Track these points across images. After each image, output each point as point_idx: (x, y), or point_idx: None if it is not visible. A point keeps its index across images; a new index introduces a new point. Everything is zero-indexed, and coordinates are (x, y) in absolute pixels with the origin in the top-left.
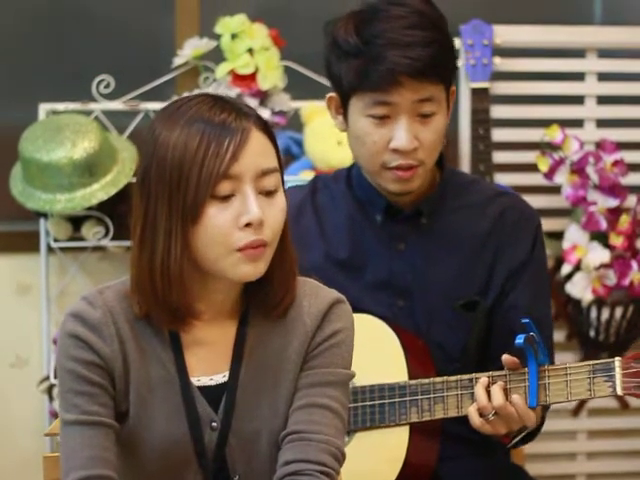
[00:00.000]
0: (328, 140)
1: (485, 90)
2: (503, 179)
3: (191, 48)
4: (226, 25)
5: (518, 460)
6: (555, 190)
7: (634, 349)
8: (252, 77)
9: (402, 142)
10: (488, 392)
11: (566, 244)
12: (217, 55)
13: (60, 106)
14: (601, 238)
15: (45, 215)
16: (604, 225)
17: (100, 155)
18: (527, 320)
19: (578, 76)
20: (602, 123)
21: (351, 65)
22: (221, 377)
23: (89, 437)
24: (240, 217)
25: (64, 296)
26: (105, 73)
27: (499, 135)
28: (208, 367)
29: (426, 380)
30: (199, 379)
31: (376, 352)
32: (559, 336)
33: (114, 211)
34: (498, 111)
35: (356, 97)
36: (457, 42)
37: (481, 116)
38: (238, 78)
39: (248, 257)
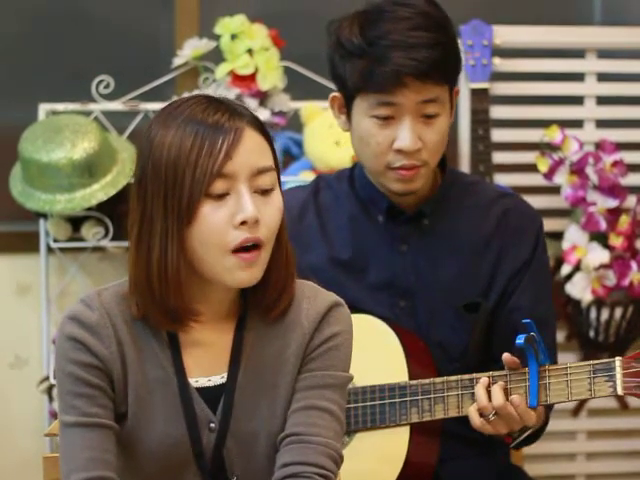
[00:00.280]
0: (327, 140)
1: (485, 90)
2: (503, 179)
3: (191, 48)
4: (226, 25)
5: (517, 460)
6: (555, 190)
7: (634, 349)
8: (252, 77)
9: (406, 143)
10: (489, 392)
11: (566, 244)
12: (217, 55)
13: (60, 106)
14: (601, 238)
15: (45, 215)
16: (604, 225)
17: (100, 155)
18: (528, 320)
19: (578, 76)
20: (602, 123)
21: (355, 66)
22: (219, 378)
23: (89, 439)
24: (235, 215)
25: (64, 296)
26: (105, 73)
27: (499, 135)
28: (206, 368)
29: (426, 380)
30: (197, 380)
31: (376, 352)
32: (559, 336)
33: (114, 211)
34: (498, 111)
35: (360, 97)
36: None
37: (481, 116)
38: (238, 78)
39: (243, 262)
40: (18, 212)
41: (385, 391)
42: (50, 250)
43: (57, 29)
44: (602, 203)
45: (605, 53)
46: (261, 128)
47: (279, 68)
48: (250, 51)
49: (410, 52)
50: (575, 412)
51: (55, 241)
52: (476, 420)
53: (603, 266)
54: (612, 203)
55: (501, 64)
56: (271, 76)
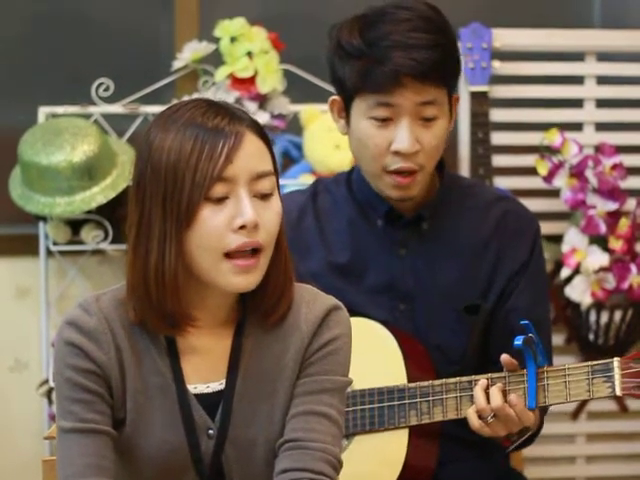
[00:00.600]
0: (326, 143)
1: (484, 93)
2: (502, 182)
3: (190, 51)
4: (225, 28)
5: (517, 464)
6: (554, 193)
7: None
8: (251, 80)
9: (404, 144)
10: (487, 394)
11: (565, 247)
12: (216, 58)
13: (59, 109)
14: (600, 242)
15: (44, 218)
16: (603, 229)
17: (99, 158)
18: (526, 322)
19: (577, 79)
20: (601, 126)
21: (354, 66)
22: (218, 384)
23: (86, 445)
24: (234, 219)
25: (63, 299)
26: (104, 76)
27: (498, 138)
28: (204, 374)
29: (425, 383)
30: (195, 386)
31: (375, 356)
32: (558, 339)
33: (113, 215)
34: (497, 114)
35: (359, 99)
36: None
37: (480, 119)
38: (237, 81)
39: (239, 268)
40: (18, 215)
41: (384, 394)
42: (50, 253)
43: (57, 32)
44: (602, 206)
45: (605, 56)
46: (261, 132)
47: (279, 71)
48: (250, 54)
49: (409, 52)
50: (575, 415)
51: (55, 244)
52: (475, 422)
53: (603, 269)
54: (612, 206)
55: (500, 67)
56: (271, 79)
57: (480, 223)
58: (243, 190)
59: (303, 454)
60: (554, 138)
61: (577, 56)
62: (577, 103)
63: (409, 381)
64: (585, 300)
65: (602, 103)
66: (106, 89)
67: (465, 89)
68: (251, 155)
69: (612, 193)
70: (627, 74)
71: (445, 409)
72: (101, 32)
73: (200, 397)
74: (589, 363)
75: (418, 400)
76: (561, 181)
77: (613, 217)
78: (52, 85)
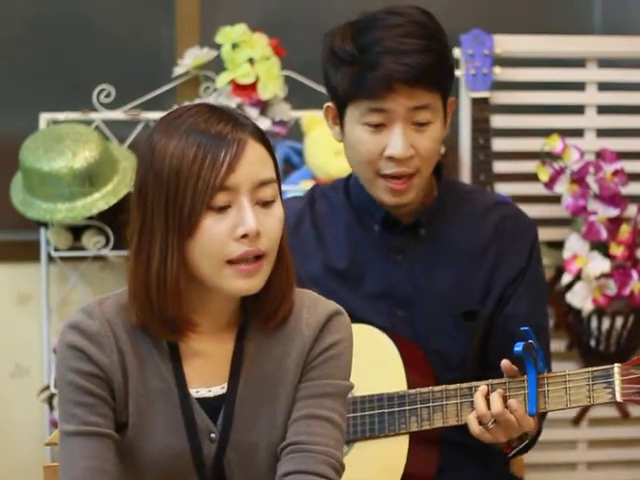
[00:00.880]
0: (327, 150)
1: (485, 100)
2: (503, 189)
3: (191, 58)
4: (227, 35)
5: (518, 470)
6: (555, 200)
7: None
8: (252, 87)
9: (397, 150)
10: (487, 400)
11: (566, 254)
12: (217, 65)
13: (61, 116)
14: (601, 248)
15: (45, 224)
16: (604, 235)
17: (101, 165)
18: (526, 328)
19: (578, 86)
20: (602, 133)
21: (346, 73)
22: (219, 389)
23: (88, 448)
24: (236, 228)
25: (64, 305)
26: (105, 83)
27: (499, 145)
28: (206, 379)
29: (425, 389)
30: (197, 391)
31: (375, 362)
32: (560, 346)
33: (114, 221)
34: (498, 121)
35: (352, 105)
36: (457, 52)
37: (481, 126)
38: (238, 88)
39: (242, 272)
40: (19, 221)
41: (384, 400)
42: (51, 259)
43: (58, 38)
44: (603, 212)
45: (606, 62)
46: (263, 139)
47: (280, 77)
48: (251, 60)
49: (401, 57)
50: (576, 421)
51: (56, 250)
52: (475, 428)
53: (604, 275)
54: (613, 212)
55: (502, 73)
56: (272, 85)
57: (478, 229)
58: (245, 199)
59: (306, 457)
60: (555, 144)
61: (578, 62)
62: (578, 109)
63: (409, 387)
64: (586, 306)
65: (603, 109)
66: (107, 95)
67: (466, 95)
68: (253, 163)
69: (613, 199)
70: (628, 80)
71: (445, 415)
72: (102, 38)
73: (202, 401)
74: (589, 369)
75: (418, 406)
76: (562, 187)
77: (614, 223)
78: (53, 91)
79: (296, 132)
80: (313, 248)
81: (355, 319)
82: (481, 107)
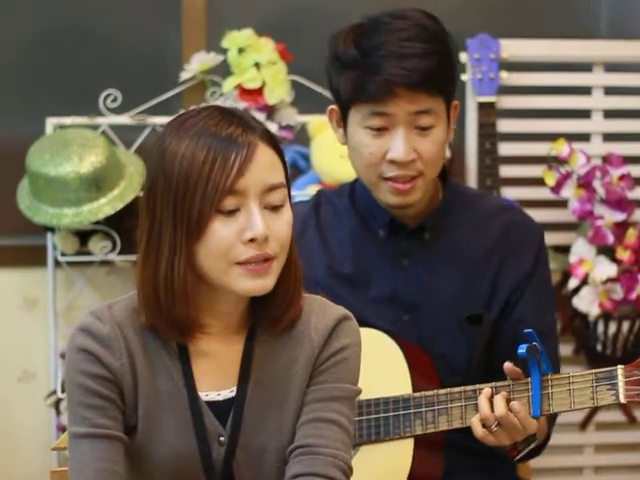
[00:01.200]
0: (334, 154)
1: (492, 104)
2: (510, 193)
3: (198, 62)
4: (233, 39)
5: (524, 474)
6: (562, 204)
7: None
8: (259, 91)
9: (399, 153)
10: (491, 403)
11: (573, 258)
12: (224, 69)
13: (67, 120)
14: (608, 252)
15: (52, 229)
16: (611, 239)
17: (107, 169)
18: (529, 330)
19: (585, 90)
20: (609, 137)
21: (349, 76)
22: (228, 392)
23: (98, 450)
24: (244, 232)
25: (71, 310)
26: (112, 87)
27: (506, 149)
28: (216, 382)
29: (430, 392)
30: (207, 394)
31: (380, 366)
32: (566, 350)
33: (121, 225)
34: (505, 125)
35: (354, 109)
36: (464, 56)
37: (488, 130)
38: (245, 92)
39: (250, 272)
40: (25, 226)
41: (389, 404)
42: (57, 264)
43: (64, 43)
44: (609, 217)
45: (612, 67)
46: (273, 143)
47: (286, 82)
48: (257, 65)
49: (402, 62)
50: (583, 426)
51: (62, 255)
52: (479, 431)
53: (610, 280)
54: (619, 217)
55: (508, 78)
56: (278, 90)
57: (483, 233)
58: (254, 203)
59: (314, 459)
60: (562, 149)
61: (584, 67)
62: (585, 114)
63: (414, 391)
64: (593, 311)
65: (610, 114)
66: (114, 100)
67: (472, 100)
68: (263, 167)
69: (620, 204)
70: (635, 84)
71: (450, 418)
72: (109, 43)
73: (211, 404)
74: (593, 371)
75: (423, 410)
76: (569, 191)
77: (621, 228)
78: (60, 96)
79: (302, 137)
80: (318, 253)
81: (361, 323)
82: (487, 111)
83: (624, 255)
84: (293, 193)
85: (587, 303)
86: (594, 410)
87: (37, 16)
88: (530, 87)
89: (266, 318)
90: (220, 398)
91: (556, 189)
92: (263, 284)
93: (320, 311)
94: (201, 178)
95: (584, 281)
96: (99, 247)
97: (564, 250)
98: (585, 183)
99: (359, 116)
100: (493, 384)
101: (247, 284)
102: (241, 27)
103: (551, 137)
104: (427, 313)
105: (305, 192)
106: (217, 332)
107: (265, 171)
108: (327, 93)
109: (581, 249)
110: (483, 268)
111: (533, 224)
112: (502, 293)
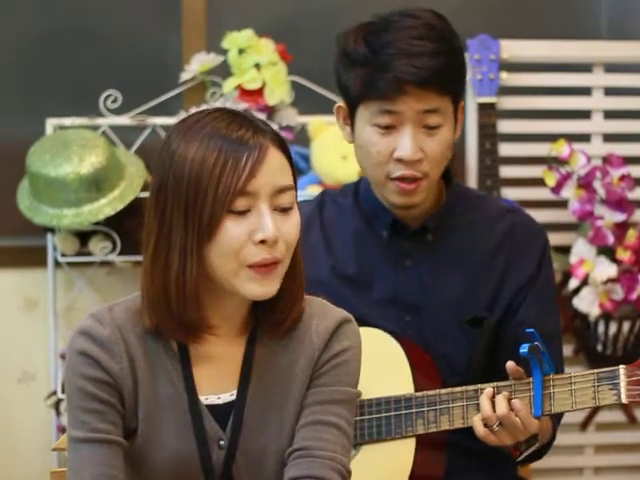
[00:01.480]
0: (334, 155)
1: (492, 105)
2: (510, 194)
3: (198, 63)
4: (233, 40)
5: (525, 474)
6: (562, 205)
7: None
8: (259, 92)
9: (406, 152)
10: (493, 403)
11: (573, 259)
12: (224, 70)
13: (67, 121)
14: (608, 253)
15: (52, 230)
16: (611, 240)
17: (107, 170)
18: (531, 330)
19: (585, 91)
20: (609, 138)
21: (358, 74)
22: (229, 395)
23: (97, 455)
24: (255, 233)
25: (71, 311)
26: (112, 88)
27: (506, 150)
28: (216, 385)
29: (432, 392)
30: (207, 397)
31: (382, 365)
32: (566, 350)
33: (121, 226)
34: (505, 126)
35: (363, 106)
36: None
37: (488, 131)
38: (245, 93)
39: (259, 274)
40: (26, 227)
41: (391, 403)
42: (57, 265)
43: (65, 44)
44: (609, 217)
45: (612, 67)
46: (283, 146)
47: (286, 83)
48: (257, 66)
49: (412, 60)
50: (583, 426)
51: (63, 255)
52: (480, 430)
53: (611, 280)
54: (619, 217)
55: (508, 78)
56: (278, 91)
57: (487, 235)
58: (264, 205)
59: (312, 462)
60: (562, 149)
61: (585, 67)
62: (585, 114)
63: (416, 391)
64: (593, 311)
65: (610, 114)
66: (114, 101)
67: (473, 100)
68: (273, 170)
69: (620, 204)
70: (635, 85)
71: (452, 418)
72: (109, 44)
73: (211, 407)
74: (595, 371)
75: (425, 409)
76: (569, 192)
77: (621, 228)
78: (60, 97)
79: (303, 137)
80: (322, 253)
81: (363, 324)
82: (488, 112)
83: (624, 255)
84: None
85: (587, 303)
86: (594, 410)
87: (37, 16)
88: (530, 88)
89: (268, 321)
90: (220, 402)
91: (556, 189)
92: (268, 289)
93: (321, 313)
94: (212, 180)
95: (584, 281)
96: (99, 248)
97: (564, 250)
98: (585, 183)
99: (367, 113)
100: (495, 384)
101: (254, 288)
102: (241, 28)
103: (551, 138)
104: (429, 314)
105: (305, 193)
106: (221, 333)
107: (276, 173)
108: (327, 94)
109: (581, 249)
110: (487, 270)
111: (537, 227)
112: (505, 296)
